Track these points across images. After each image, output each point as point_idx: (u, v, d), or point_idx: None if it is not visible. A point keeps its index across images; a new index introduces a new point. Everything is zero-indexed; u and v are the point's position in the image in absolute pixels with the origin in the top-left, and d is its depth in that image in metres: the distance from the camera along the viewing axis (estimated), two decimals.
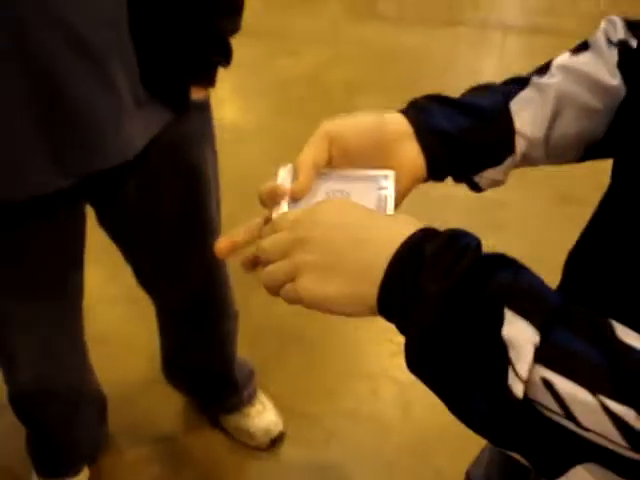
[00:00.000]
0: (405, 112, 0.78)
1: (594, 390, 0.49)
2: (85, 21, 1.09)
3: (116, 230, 1.53)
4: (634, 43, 0.80)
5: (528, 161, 0.81)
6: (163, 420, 2.09)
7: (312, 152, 0.73)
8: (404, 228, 0.60)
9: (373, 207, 0.71)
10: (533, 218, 2.88)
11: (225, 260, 1.68)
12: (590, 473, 0.52)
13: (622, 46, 0.80)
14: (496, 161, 0.79)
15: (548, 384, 0.51)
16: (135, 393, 2.14)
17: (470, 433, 0.58)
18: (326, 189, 0.74)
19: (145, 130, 1.28)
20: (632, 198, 0.67)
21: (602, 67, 0.80)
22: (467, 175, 0.80)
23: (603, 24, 0.82)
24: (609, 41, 0.81)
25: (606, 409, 0.49)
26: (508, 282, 0.54)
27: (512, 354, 0.52)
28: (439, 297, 0.55)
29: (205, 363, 1.90)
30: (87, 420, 1.81)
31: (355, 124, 0.75)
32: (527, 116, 0.78)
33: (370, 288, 0.59)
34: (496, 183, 0.82)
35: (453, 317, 0.54)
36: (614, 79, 0.79)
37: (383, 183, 0.74)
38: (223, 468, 1.97)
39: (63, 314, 1.52)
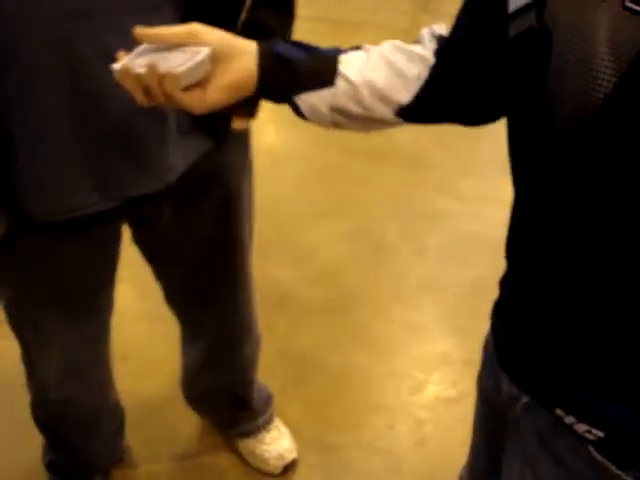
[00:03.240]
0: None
1: None
2: None
3: (150, 250, 1.56)
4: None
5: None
6: (180, 439, 2.10)
7: (173, 30, 0.93)
8: None
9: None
10: None
11: (252, 285, 1.71)
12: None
13: (441, 38, 0.99)
14: (314, 86, 0.97)
15: None
16: (154, 410, 2.16)
17: None
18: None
19: (185, 157, 1.32)
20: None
21: (422, 47, 0.99)
22: (289, 95, 0.98)
23: (433, 26, 1.02)
24: (432, 35, 1.00)
25: None
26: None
27: None
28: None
29: (225, 386, 1.91)
30: (105, 434, 1.84)
31: (221, 32, 0.96)
32: (352, 65, 0.97)
33: None
34: (318, 115, 0.99)
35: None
36: (428, 54, 0.98)
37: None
38: None
39: (92, 330, 1.55)
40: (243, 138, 1.48)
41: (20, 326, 1.48)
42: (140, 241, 1.53)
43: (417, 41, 1.01)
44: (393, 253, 2.82)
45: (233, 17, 1.22)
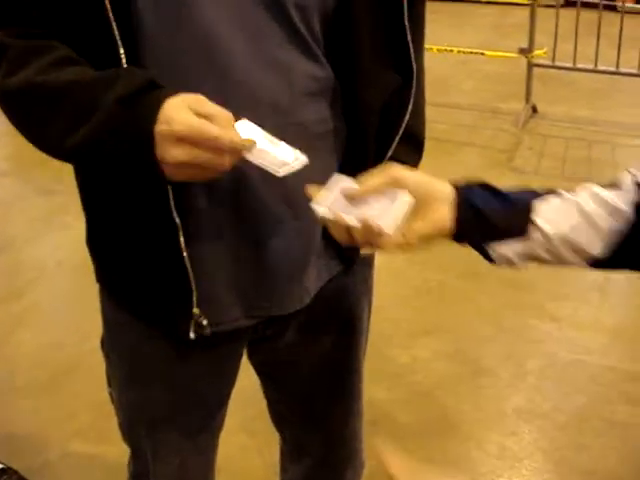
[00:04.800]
0: (455, 185, 1.02)
1: None
2: (301, 185, 1.10)
3: (265, 367, 1.55)
4: None
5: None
6: None
7: (376, 180, 1.00)
8: None
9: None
10: None
11: (362, 408, 1.68)
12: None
13: None
14: (507, 237, 0.99)
15: None
16: None
17: None
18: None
19: (317, 279, 1.33)
20: None
21: (621, 197, 0.97)
22: (481, 243, 1.01)
23: (632, 169, 1.00)
24: (636, 183, 0.97)
25: None
26: None
27: None
28: None
29: None
30: None
31: (418, 175, 1.02)
32: (546, 215, 0.99)
33: None
34: (508, 261, 1.01)
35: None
36: (626, 207, 0.96)
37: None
38: None
39: (204, 446, 1.54)
40: (367, 263, 1.49)
41: (137, 438, 1.48)
42: (256, 357, 1.53)
43: (615, 184, 1.00)
44: (490, 376, 2.76)
45: (383, 156, 1.25)
